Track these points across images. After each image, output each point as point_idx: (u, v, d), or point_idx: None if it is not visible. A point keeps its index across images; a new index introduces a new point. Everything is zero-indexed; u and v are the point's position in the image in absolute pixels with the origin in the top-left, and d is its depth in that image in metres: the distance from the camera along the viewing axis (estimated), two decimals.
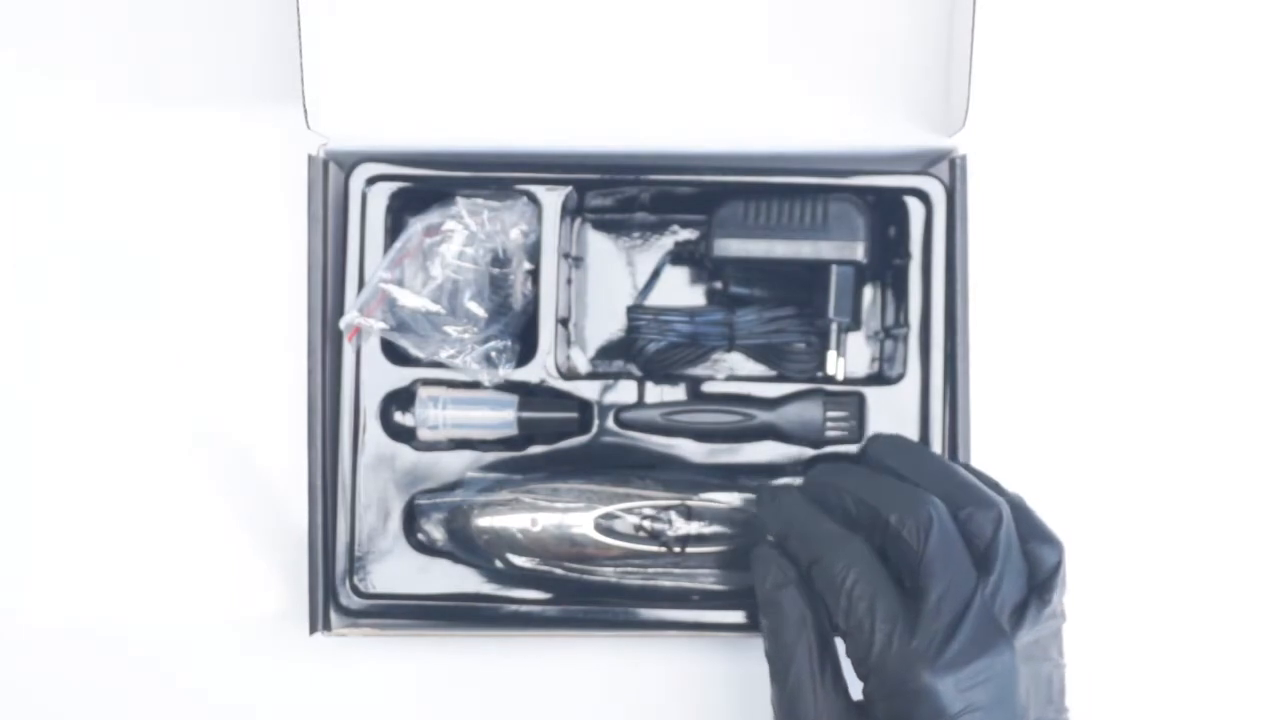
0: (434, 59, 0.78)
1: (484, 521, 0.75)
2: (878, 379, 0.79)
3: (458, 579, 0.77)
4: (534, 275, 0.77)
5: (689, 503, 0.75)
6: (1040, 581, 0.67)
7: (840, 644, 0.68)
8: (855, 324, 0.79)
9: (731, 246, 0.77)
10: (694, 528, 0.75)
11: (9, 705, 0.81)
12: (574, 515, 0.75)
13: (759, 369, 0.80)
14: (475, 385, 0.77)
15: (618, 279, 0.81)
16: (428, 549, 0.77)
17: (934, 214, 0.77)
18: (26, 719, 0.81)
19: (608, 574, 0.76)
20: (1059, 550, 0.68)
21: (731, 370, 0.80)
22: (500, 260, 0.76)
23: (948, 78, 0.77)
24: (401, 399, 0.77)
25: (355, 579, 0.77)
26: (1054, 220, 0.82)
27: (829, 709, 0.66)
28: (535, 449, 0.78)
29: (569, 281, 0.79)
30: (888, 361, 0.79)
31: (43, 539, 0.81)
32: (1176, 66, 0.83)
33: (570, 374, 0.78)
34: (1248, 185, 0.83)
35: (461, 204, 0.76)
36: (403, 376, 0.77)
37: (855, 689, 0.67)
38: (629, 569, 0.76)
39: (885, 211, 0.78)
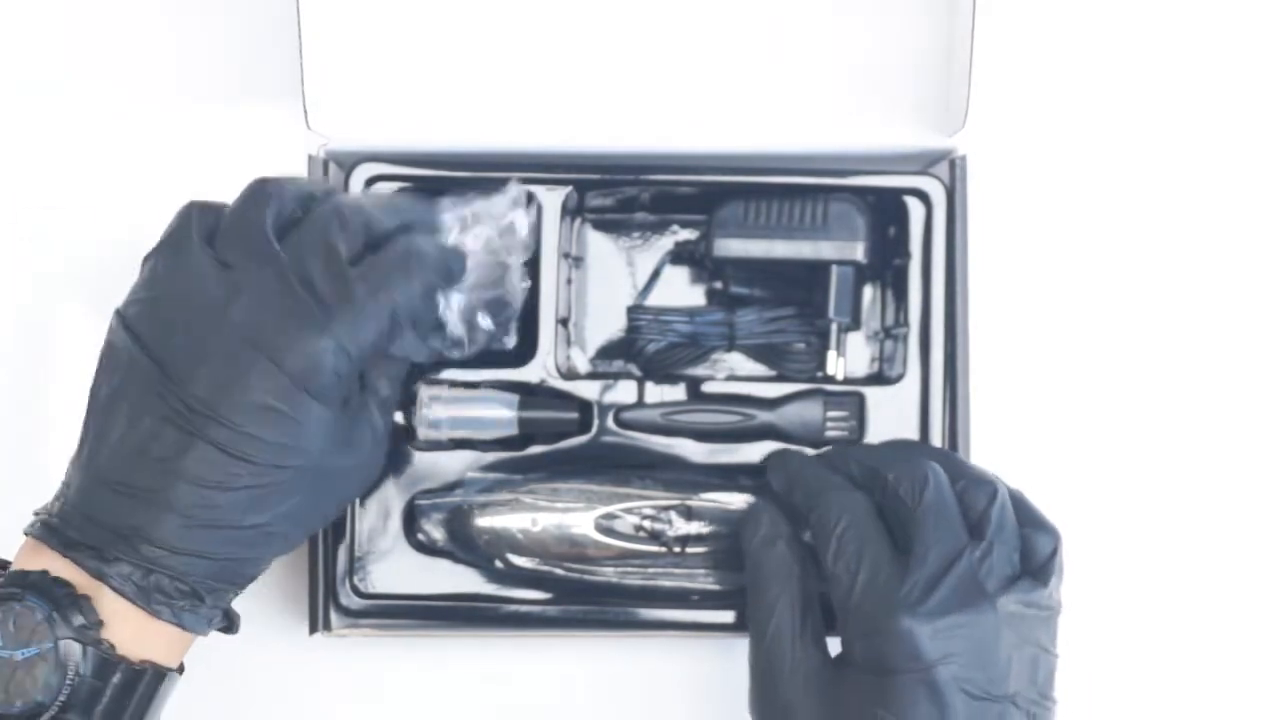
0: (434, 59, 0.78)
1: (484, 521, 0.75)
2: (878, 379, 0.79)
3: (458, 579, 0.77)
4: (529, 267, 0.76)
5: (689, 503, 0.75)
6: (1036, 566, 0.68)
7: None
8: (855, 324, 0.79)
9: (731, 246, 0.77)
10: (694, 528, 0.75)
11: None
12: (574, 515, 0.75)
13: (759, 369, 0.80)
14: (475, 385, 0.77)
15: (618, 279, 0.81)
16: (428, 549, 0.77)
17: (934, 214, 0.77)
18: None
19: (608, 574, 0.76)
20: (1055, 538, 0.69)
21: (731, 370, 0.80)
22: (494, 250, 0.75)
23: (948, 78, 0.77)
24: (402, 398, 0.77)
25: (355, 579, 0.77)
26: (1054, 220, 0.82)
27: (806, 662, 0.67)
28: (535, 449, 0.77)
29: (569, 281, 0.79)
30: (888, 361, 0.79)
31: None
32: (1177, 66, 0.83)
33: (570, 374, 0.78)
34: (1248, 185, 0.83)
35: (450, 221, 0.74)
36: None
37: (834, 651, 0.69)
38: (629, 569, 0.76)
39: (885, 211, 0.78)
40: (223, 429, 0.62)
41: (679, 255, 0.81)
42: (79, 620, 0.62)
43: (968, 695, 0.64)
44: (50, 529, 0.64)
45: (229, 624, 0.68)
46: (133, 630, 0.63)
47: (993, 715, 0.65)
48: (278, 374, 0.63)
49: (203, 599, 0.64)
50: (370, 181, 0.77)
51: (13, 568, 0.65)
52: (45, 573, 0.63)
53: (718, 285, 0.80)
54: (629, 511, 0.75)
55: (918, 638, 0.64)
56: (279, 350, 0.63)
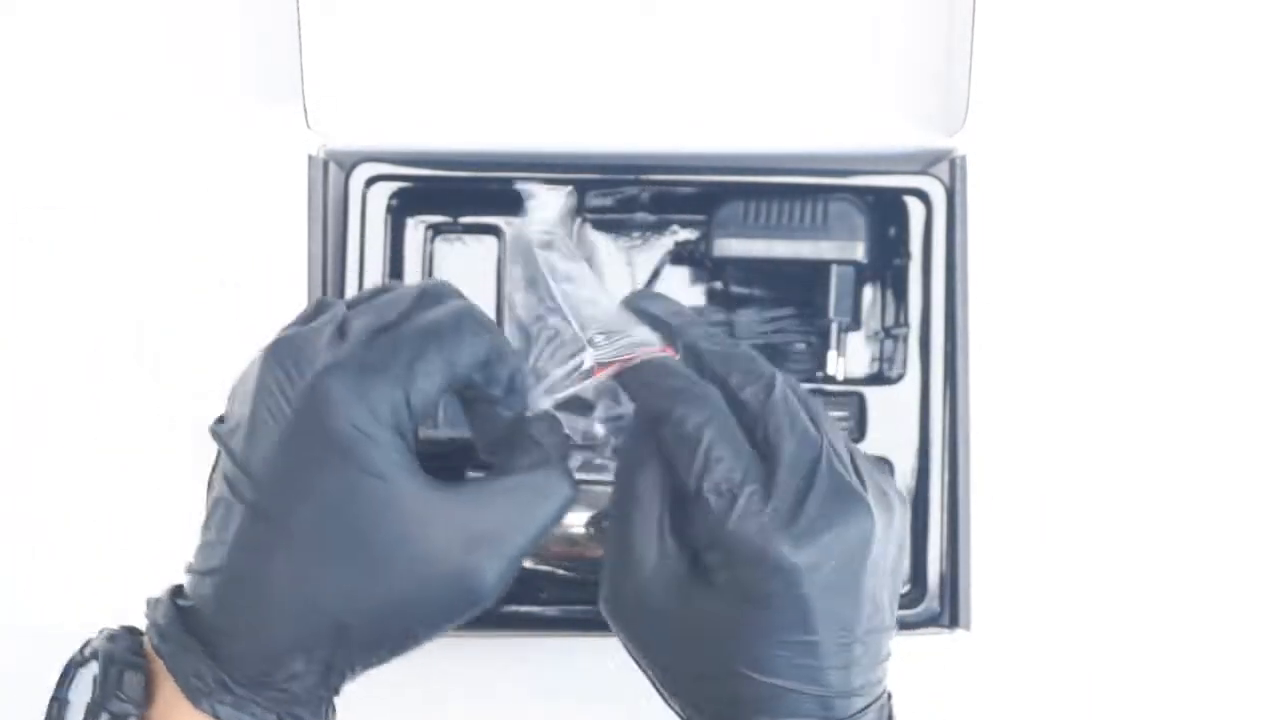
0: (434, 59, 0.79)
1: None
2: (878, 379, 0.79)
3: None
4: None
5: None
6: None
7: None
8: (855, 324, 0.79)
9: (731, 246, 0.77)
10: None
11: (8, 707, 0.81)
12: (572, 515, 0.75)
13: None
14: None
15: (618, 279, 0.81)
16: None
17: (934, 214, 0.77)
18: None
19: None
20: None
21: None
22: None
23: (948, 78, 0.77)
24: None
25: None
26: (1054, 220, 0.82)
27: (669, 566, 0.61)
28: None
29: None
30: (888, 361, 0.79)
31: (45, 537, 0.81)
32: (1177, 66, 0.83)
33: None
34: (1248, 185, 0.83)
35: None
36: None
37: None
38: None
39: (885, 211, 0.78)
40: None
41: (679, 255, 0.80)
42: (119, 693, 0.59)
43: (832, 594, 0.60)
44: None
45: None
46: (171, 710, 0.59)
47: (860, 613, 0.60)
48: None
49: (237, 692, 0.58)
50: (370, 181, 0.77)
51: None
52: (127, 636, 0.61)
53: (718, 285, 0.80)
54: None
55: (798, 568, 0.58)
56: None
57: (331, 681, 0.61)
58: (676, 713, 0.63)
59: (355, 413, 0.58)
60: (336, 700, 0.62)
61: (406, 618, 0.60)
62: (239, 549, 0.58)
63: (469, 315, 0.62)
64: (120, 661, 0.60)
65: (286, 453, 0.58)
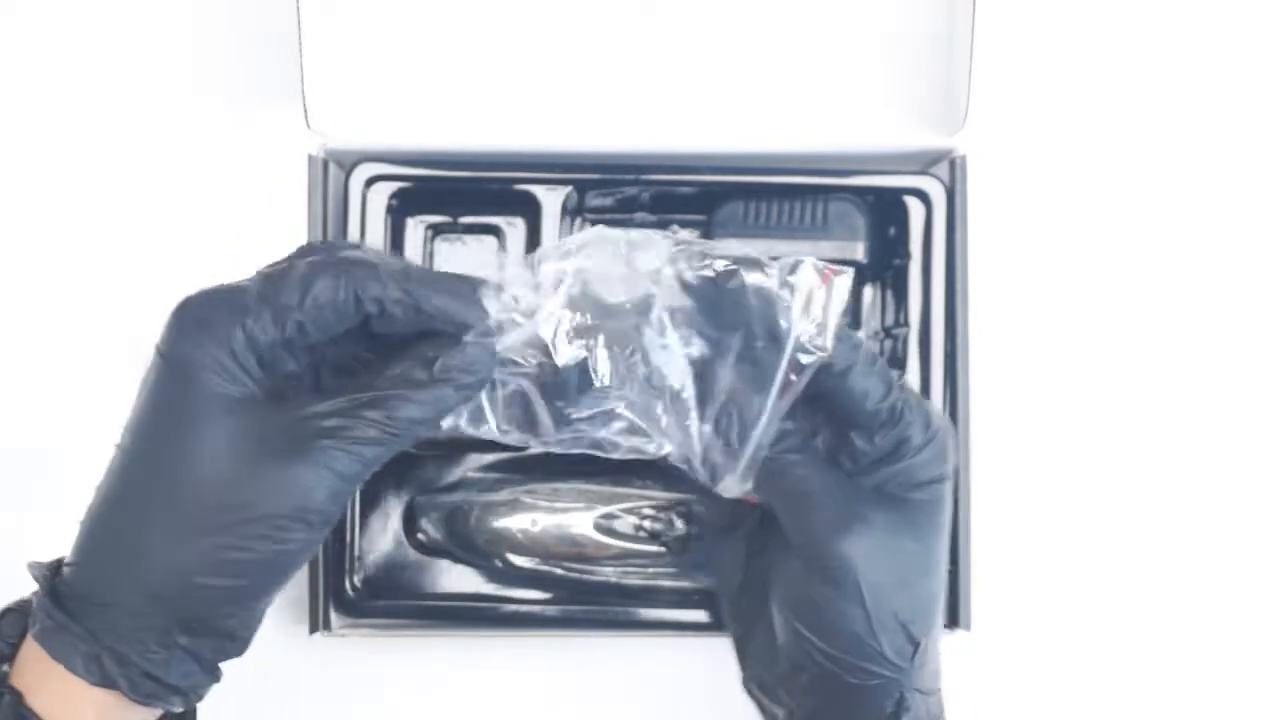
0: (434, 59, 0.79)
1: (484, 521, 0.75)
2: None
3: (458, 579, 0.77)
4: None
5: (690, 503, 0.75)
6: None
7: None
8: (855, 324, 0.79)
9: (731, 247, 0.77)
10: (694, 528, 0.75)
11: None
12: (574, 515, 0.75)
13: None
14: None
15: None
16: (428, 549, 0.77)
17: (934, 214, 0.77)
18: None
19: (608, 574, 0.76)
20: None
21: None
22: None
23: (948, 78, 0.77)
24: None
25: (355, 579, 0.77)
26: (1054, 220, 0.82)
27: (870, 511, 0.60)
28: (535, 449, 0.77)
29: None
30: (887, 362, 0.79)
31: (43, 536, 0.81)
32: (1177, 66, 0.83)
33: None
34: (1248, 185, 0.83)
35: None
36: None
37: None
38: (629, 569, 0.76)
39: (885, 211, 0.78)
40: None
41: None
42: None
43: None
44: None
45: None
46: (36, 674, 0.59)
47: None
48: None
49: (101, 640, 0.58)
50: (370, 181, 0.77)
51: None
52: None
53: None
54: (629, 511, 0.75)
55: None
56: None
57: (181, 627, 0.60)
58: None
59: (196, 348, 0.58)
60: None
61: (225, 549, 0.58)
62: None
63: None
64: (15, 608, 0.61)
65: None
